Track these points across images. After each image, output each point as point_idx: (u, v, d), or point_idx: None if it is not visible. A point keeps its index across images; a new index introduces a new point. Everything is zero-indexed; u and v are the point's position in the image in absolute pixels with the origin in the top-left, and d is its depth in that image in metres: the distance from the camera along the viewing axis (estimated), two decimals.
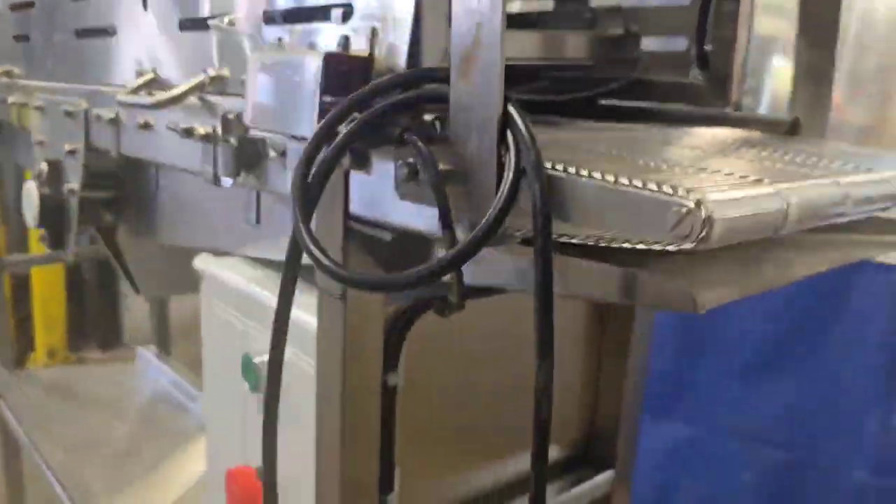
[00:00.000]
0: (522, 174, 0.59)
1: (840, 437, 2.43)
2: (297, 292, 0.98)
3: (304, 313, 0.91)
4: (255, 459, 1.02)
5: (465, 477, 1.10)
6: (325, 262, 0.64)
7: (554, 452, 1.23)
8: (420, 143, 0.64)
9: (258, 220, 1.04)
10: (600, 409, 1.25)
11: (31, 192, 1.47)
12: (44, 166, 1.47)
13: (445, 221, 0.64)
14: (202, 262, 1.09)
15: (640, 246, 0.55)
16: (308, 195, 0.67)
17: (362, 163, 0.74)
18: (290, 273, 0.76)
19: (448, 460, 1.08)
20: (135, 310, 4.42)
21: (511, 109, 0.60)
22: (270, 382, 0.81)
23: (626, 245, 0.57)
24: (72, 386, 2.61)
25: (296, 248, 0.74)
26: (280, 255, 1.02)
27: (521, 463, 1.17)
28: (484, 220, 0.58)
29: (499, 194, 0.59)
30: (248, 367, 0.95)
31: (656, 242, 0.54)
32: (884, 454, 2.36)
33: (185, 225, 1.24)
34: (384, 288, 0.63)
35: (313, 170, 0.69)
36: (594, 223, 0.58)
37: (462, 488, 1.10)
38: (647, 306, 0.60)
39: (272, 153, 0.86)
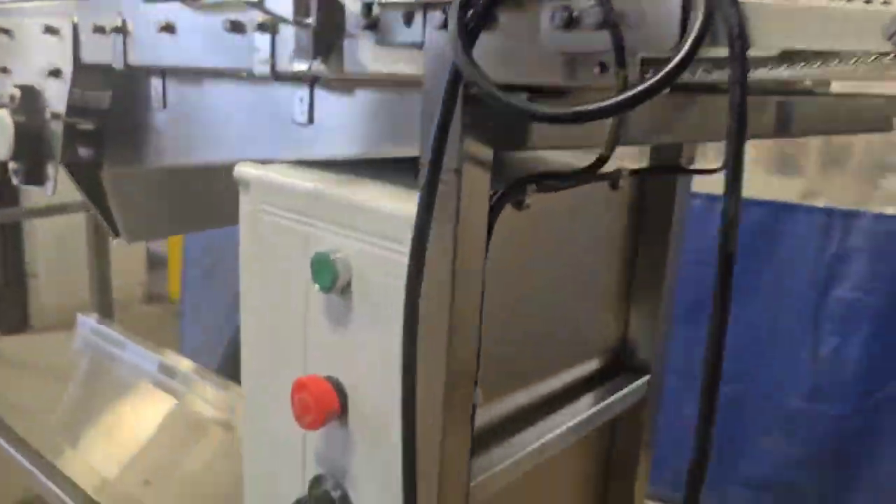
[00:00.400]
0: (715, 4, 0.58)
1: (775, 368, 2.61)
2: (377, 182, 0.94)
3: (393, 203, 0.87)
4: (319, 367, 0.97)
5: (527, 380, 1.09)
6: (499, 93, 0.61)
7: (592, 364, 1.24)
8: None
9: (311, 120, 0.99)
10: (634, 318, 1.27)
11: (4, 121, 1.34)
12: (16, 92, 1.34)
13: (621, 60, 0.62)
14: (245, 170, 1.02)
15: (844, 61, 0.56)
16: (469, 33, 0.64)
17: (490, 21, 0.71)
18: (439, 144, 0.72)
19: (514, 362, 1.06)
20: (40, 291, 4.15)
21: None
22: (409, 286, 0.76)
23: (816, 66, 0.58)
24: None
25: (447, 114, 0.69)
26: (338, 152, 0.98)
27: (578, 370, 1.18)
28: (684, 48, 0.57)
29: (693, 25, 0.58)
30: (323, 265, 0.90)
31: (864, 52, 0.55)
32: (815, 382, 2.56)
33: (208, 140, 1.16)
34: (578, 118, 0.61)
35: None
36: (789, 45, 0.58)
37: (525, 395, 1.09)
38: (833, 133, 0.61)
39: (362, 26, 0.82)
